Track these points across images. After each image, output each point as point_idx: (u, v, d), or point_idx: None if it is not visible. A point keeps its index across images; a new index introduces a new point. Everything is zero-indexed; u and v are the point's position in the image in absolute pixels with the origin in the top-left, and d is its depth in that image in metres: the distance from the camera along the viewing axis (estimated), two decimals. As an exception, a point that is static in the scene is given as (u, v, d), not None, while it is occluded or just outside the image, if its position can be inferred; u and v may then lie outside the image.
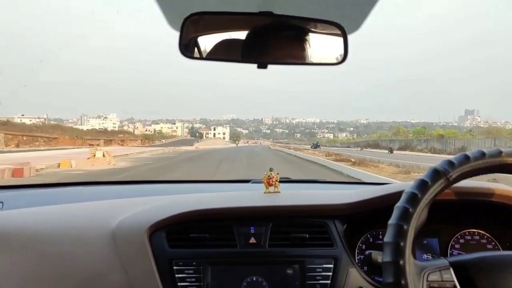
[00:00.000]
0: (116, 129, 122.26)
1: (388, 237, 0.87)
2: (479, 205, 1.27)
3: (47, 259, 1.19)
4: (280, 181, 1.48)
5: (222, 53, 1.21)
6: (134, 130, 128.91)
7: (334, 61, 1.23)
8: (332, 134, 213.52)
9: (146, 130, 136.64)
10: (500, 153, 0.91)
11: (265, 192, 1.46)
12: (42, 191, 1.90)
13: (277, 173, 1.48)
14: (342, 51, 1.20)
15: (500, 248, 1.33)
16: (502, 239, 1.34)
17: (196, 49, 1.21)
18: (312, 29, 1.21)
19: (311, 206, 1.32)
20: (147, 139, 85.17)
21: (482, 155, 0.91)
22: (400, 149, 57.04)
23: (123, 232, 1.22)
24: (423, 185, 0.91)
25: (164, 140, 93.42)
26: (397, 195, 1.08)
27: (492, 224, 1.35)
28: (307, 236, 1.26)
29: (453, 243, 1.36)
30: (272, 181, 1.45)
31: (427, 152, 47.50)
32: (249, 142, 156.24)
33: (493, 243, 1.35)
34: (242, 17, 1.16)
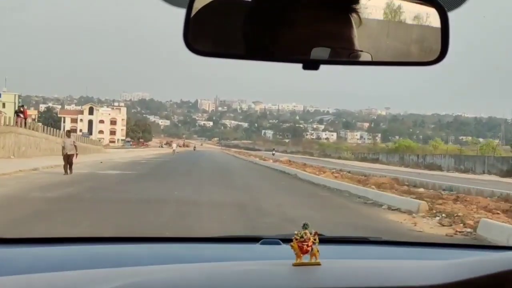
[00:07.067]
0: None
1: None
2: None
3: None
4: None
5: (246, 48, 0.78)
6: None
7: (427, 58, 0.75)
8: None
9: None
10: None
11: (294, 264, 0.95)
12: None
13: (315, 232, 0.97)
14: (439, 43, 0.73)
15: None
16: None
17: (208, 41, 0.82)
18: (395, 11, 0.78)
19: None
20: None
21: None
22: None
23: None
24: None
25: None
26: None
27: None
28: None
29: None
30: (309, 246, 0.95)
31: None
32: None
33: None
34: None
